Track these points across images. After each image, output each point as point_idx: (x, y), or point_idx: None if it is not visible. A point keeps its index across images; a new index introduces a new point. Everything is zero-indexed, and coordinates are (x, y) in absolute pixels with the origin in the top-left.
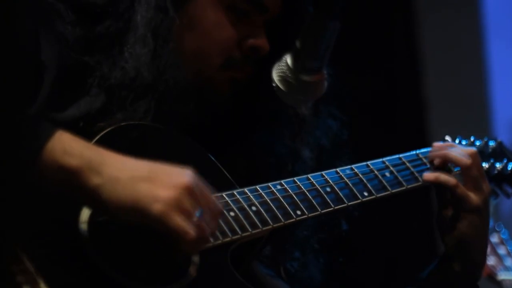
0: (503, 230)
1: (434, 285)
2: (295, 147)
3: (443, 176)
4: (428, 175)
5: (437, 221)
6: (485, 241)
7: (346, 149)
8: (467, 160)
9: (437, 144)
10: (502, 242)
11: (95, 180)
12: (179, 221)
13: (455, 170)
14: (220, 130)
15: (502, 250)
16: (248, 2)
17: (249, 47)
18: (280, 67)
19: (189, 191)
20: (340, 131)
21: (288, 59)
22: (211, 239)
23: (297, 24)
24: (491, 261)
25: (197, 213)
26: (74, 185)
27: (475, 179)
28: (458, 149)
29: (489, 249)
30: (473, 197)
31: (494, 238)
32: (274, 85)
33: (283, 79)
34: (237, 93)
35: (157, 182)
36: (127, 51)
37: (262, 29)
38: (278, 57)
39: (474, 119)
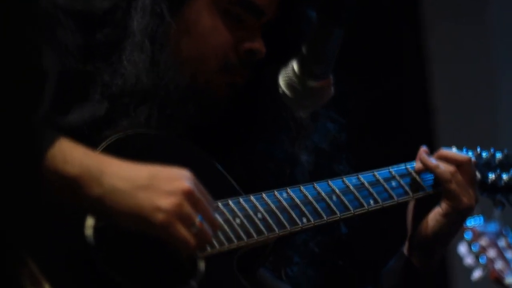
0: (511, 234)
1: (392, 279)
2: (293, 152)
3: (441, 168)
4: (428, 160)
5: (412, 214)
6: (450, 241)
7: (345, 153)
8: (448, 175)
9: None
10: (509, 246)
11: (96, 190)
12: (180, 230)
13: None
14: (218, 135)
15: (509, 254)
16: (242, 6)
17: (245, 51)
18: (287, 73)
19: (190, 196)
20: (339, 134)
21: (294, 65)
22: (217, 245)
23: (295, 27)
24: (498, 265)
25: (198, 217)
26: (75, 194)
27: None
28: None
29: (496, 253)
30: (465, 197)
31: (502, 242)
32: (280, 91)
33: (289, 85)
34: (236, 98)
35: (157, 190)
36: (126, 58)
37: (258, 32)
38: (275, 61)
39: (481, 125)
